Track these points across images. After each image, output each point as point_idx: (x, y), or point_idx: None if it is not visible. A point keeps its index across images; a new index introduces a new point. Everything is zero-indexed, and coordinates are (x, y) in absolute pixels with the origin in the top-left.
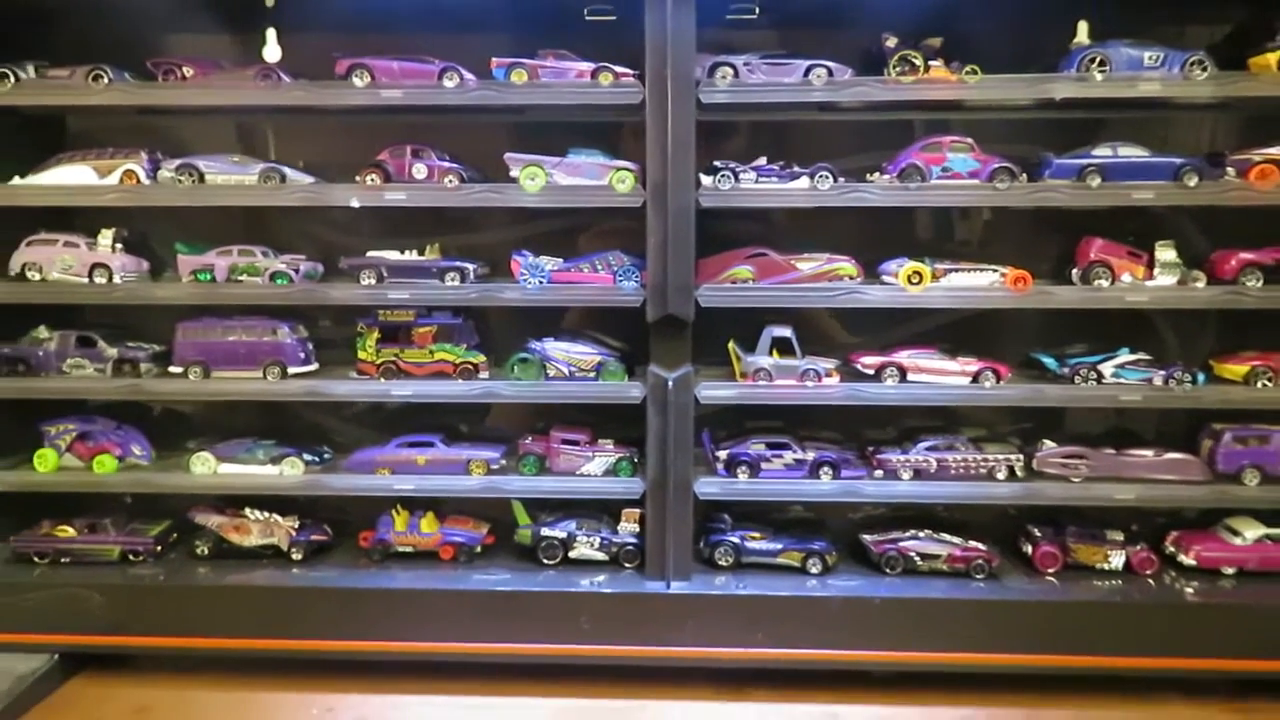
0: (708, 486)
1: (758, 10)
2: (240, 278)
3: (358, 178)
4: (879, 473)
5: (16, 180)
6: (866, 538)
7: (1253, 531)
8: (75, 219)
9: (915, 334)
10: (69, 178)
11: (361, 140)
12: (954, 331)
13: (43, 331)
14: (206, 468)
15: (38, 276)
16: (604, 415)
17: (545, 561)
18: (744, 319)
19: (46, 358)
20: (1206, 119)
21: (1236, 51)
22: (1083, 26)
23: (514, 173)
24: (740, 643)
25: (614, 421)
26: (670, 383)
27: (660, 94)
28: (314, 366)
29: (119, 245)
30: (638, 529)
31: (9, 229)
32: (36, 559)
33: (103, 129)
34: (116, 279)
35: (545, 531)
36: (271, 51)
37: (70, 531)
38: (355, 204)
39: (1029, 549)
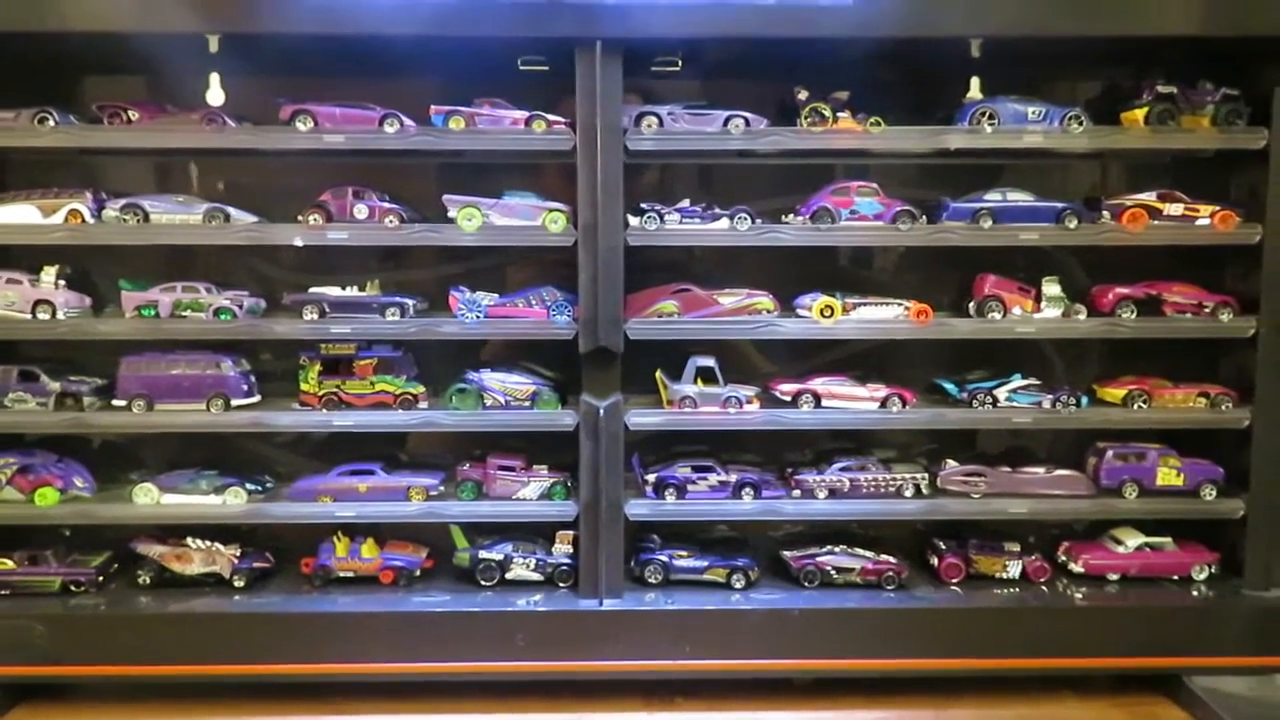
0: (637, 508)
1: (680, 63)
2: (184, 313)
3: (300, 217)
4: (797, 492)
5: None
6: (786, 554)
7: (1134, 540)
8: (7, 256)
9: (828, 362)
10: (13, 216)
11: (299, 180)
12: (863, 360)
13: None
14: (149, 498)
15: None
16: (537, 442)
17: (483, 583)
18: (669, 350)
19: None
20: (1087, 166)
21: (1110, 106)
22: (975, 82)
23: (451, 213)
24: (669, 655)
25: (546, 448)
26: (602, 411)
27: (590, 141)
28: (256, 399)
29: (62, 282)
30: (571, 550)
31: None
32: None
33: (36, 167)
34: (60, 315)
35: (483, 554)
36: (215, 95)
37: (9, 564)
38: (299, 242)
39: (935, 561)
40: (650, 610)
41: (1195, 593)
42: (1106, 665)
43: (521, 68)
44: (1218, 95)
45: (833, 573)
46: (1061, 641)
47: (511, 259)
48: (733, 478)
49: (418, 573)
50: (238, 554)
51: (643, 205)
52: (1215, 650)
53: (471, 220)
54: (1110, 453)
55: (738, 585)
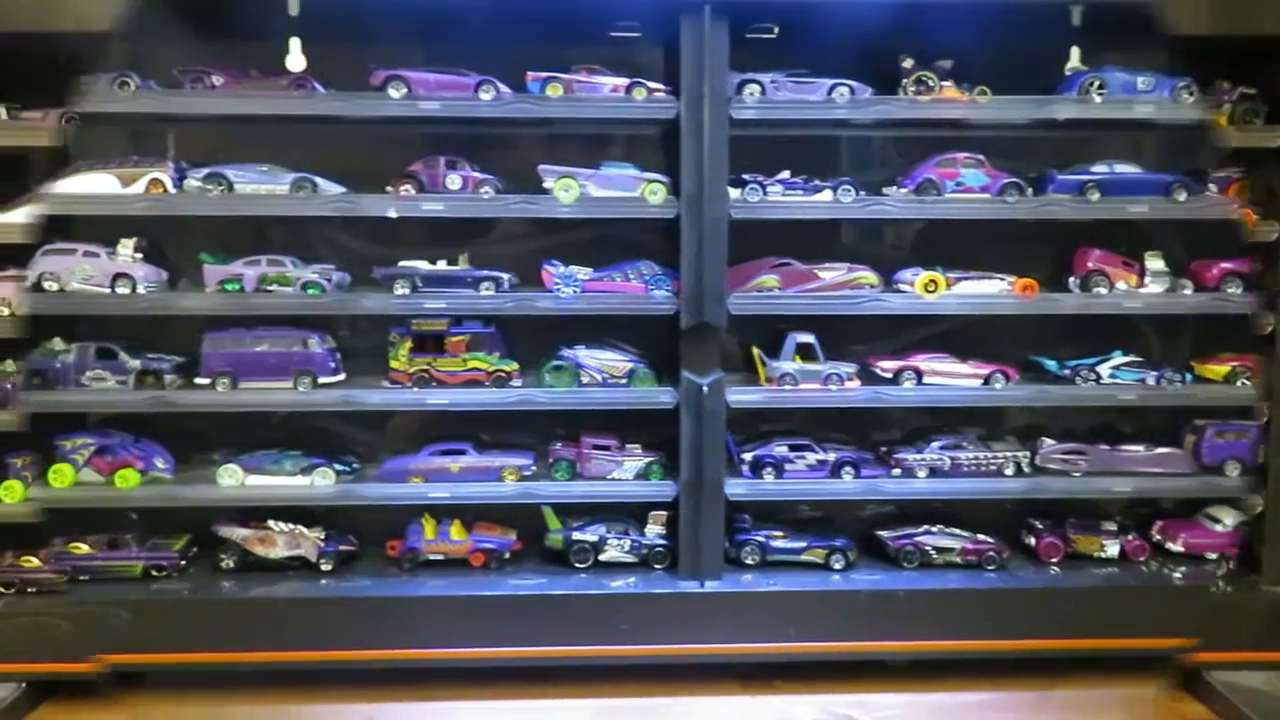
0: (735, 488)
1: (776, 30)
2: (270, 288)
3: (388, 188)
4: (897, 471)
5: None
6: (883, 534)
7: (1231, 519)
8: (71, 228)
9: (919, 339)
10: (93, 186)
11: (365, 149)
12: (952, 337)
13: (58, 343)
14: (234, 480)
15: (55, 287)
16: (624, 420)
17: (577, 565)
18: (757, 326)
19: (64, 370)
20: (1173, 138)
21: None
22: (1075, 52)
23: (548, 184)
24: (771, 637)
25: (635, 426)
26: (705, 388)
27: (696, 109)
28: (342, 376)
29: (139, 255)
30: (665, 531)
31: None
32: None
33: (97, 137)
34: (140, 289)
35: (577, 536)
36: (295, 60)
37: (85, 548)
38: (393, 214)
39: (1032, 540)
40: (752, 592)
41: None
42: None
43: (613, 35)
44: (1234, 94)
45: (932, 553)
46: (1163, 621)
47: (598, 232)
48: (831, 457)
49: (507, 555)
50: (322, 537)
51: (744, 176)
52: None
53: (569, 191)
54: (1211, 430)
55: (837, 566)
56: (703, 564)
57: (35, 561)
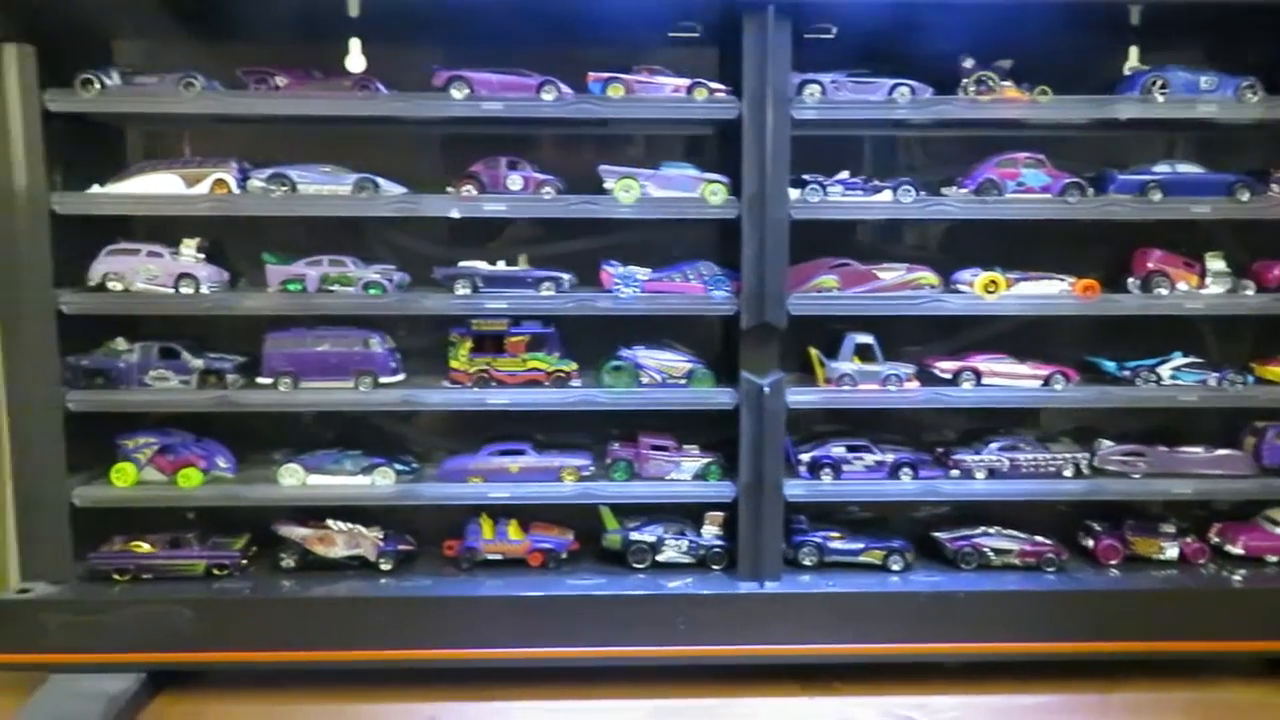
0: (794, 489)
1: (834, 30)
2: (332, 288)
3: (449, 189)
4: (955, 472)
5: (96, 189)
6: (940, 535)
7: None
8: (127, 228)
9: (975, 340)
10: (158, 186)
11: (418, 150)
12: (1009, 338)
13: (120, 343)
14: (296, 479)
15: (119, 287)
16: (673, 420)
17: (635, 566)
18: (809, 326)
19: (128, 370)
20: (1234, 138)
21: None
22: (1133, 51)
23: (608, 184)
24: (830, 638)
25: (690, 427)
26: (766, 389)
27: (758, 109)
28: (401, 376)
29: (201, 255)
30: (721, 531)
31: (76, 239)
32: (116, 576)
33: (155, 138)
34: (204, 289)
35: (635, 536)
36: (355, 61)
37: (146, 547)
38: (456, 214)
39: (1090, 543)
40: (812, 593)
41: None
42: (1273, 649)
43: (671, 35)
44: None
45: (991, 554)
46: (1223, 624)
47: (649, 233)
48: (889, 458)
49: (564, 555)
50: (381, 537)
51: (804, 176)
52: None
53: (629, 192)
54: (1272, 431)
55: (895, 567)
56: (763, 565)
57: (146, 546)
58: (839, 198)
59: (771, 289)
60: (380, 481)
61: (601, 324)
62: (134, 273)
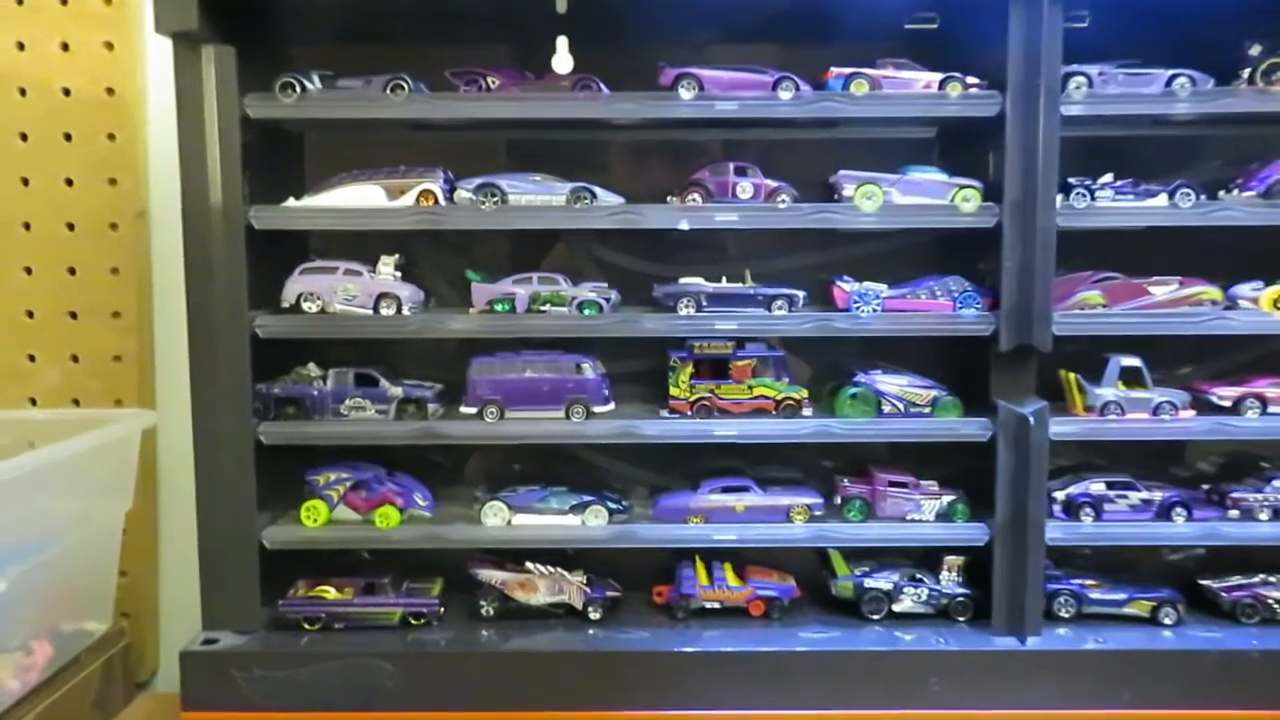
0: (1052, 531)
1: (1088, 18)
2: (543, 308)
3: (671, 198)
4: (1234, 513)
5: (292, 202)
6: (1211, 583)
7: None
8: (309, 243)
9: (1236, 363)
10: (360, 199)
11: (609, 155)
12: (1270, 360)
13: (313, 369)
14: (499, 519)
15: (316, 308)
16: (904, 452)
17: (870, 616)
18: (1057, 348)
19: (322, 398)
20: None
21: None
22: None
23: (847, 191)
24: (1103, 702)
25: (916, 460)
26: (1031, 418)
27: (1025, 105)
28: (612, 405)
29: (398, 273)
30: (962, 578)
31: (265, 257)
32: (306, 624)
33: (347, 146)
34: (405, 310)
35: (869, 583)
36: (562, 61)
37: (333, 592)
38: (685, 226)
39: None
40: (1079, 650)
41: None
42: None
43: (907, 27)
44: None
45: (1276, 606)
46: None
47: (881, 245)
48: (1156, 495)
49: (787, 603)
50: (585, 581)
51: (1071, 180)
52: None
53: (871, 199)
54: None
55: (1167, 620)
56: (1023, 618)
57: (332, 592)
58: (1109, 203)
59: (1039, 306)
60: (592, 521)
61: (815, 345)
62: (331, 292)
